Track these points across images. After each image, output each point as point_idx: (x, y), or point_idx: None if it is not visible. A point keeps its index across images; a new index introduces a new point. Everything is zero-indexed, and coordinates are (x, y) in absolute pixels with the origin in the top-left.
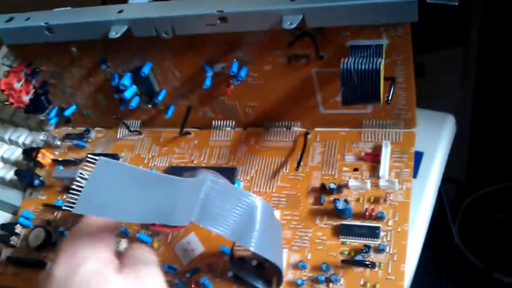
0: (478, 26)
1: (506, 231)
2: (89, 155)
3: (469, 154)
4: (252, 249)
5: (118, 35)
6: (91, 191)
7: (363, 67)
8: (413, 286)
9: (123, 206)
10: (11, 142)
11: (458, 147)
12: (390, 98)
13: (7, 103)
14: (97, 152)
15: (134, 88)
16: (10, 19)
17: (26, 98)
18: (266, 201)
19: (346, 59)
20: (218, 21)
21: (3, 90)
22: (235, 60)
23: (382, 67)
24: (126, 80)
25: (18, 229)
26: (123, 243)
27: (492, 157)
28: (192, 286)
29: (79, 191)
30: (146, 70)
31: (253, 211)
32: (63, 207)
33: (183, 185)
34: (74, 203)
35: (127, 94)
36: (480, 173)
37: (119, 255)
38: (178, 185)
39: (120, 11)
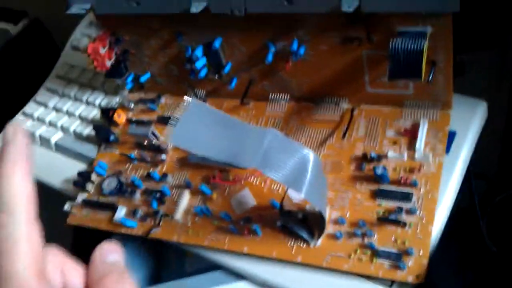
0: None
1: None
2: (185, 97)
3: (500, 153)
4: (302, 194)
5: (198, 10)
6: (183, 127)
7: (409, 46)
8: (437, 278)
9: (206, 143)
10: (88, 103)
11: (490, 146)
12: (431, 78)
13: (91, 66)
14: (166, 115)
15: (204, 60)
16: None
17: (108, 63)
18: (318, 156)
19: (395, 40)
20: (285, 2)
21: (89, 54)
22: (295, 38)
23: (425, 48)
24: (198, 52)
25: (93, 177)
26: (186, 195)
27: None
28: (245, 232)
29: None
30: (216, 44)
31: (306, 162)
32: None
33: (251, 132)
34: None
35: (198, 64)
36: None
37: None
38: (247, 131)
39: None
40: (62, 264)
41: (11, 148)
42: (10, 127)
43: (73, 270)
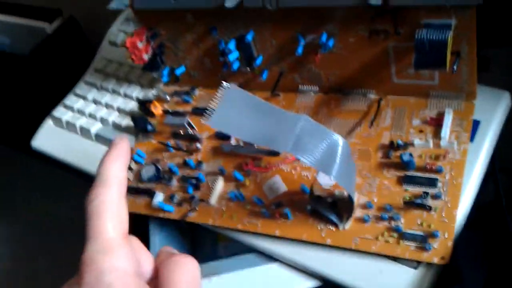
0: None
1: None
2: (223, 82)
3: None
4: (332, 177)
5: (232, 5)
6: (221, 111)
7: (434, 37)
8: (461, 265)
9: (243, 127)
10: (125, 95)
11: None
12: (455, 69)
13: (129, 59)
14: (200, 106)
15: (236, 53)
16: None
17: (145, 57)
18: (347, 141)
19: (421, 30)
20: None
21: (127, 48)
22: (324, 32)
23: (449, 38)
24: (232, 46)
25: (132, 164)
26: (220, 181)
27: None
28: (277, 215)
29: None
30: (249, 37)
31: (336, 147)
32: (202, 121)
33: (284, 117)
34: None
35: (231, 57)
36: None
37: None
38: (282, 116)
39: None
40: (138, 251)
41: (116, 146)
42: (118, 136)
43: (146, 257)
